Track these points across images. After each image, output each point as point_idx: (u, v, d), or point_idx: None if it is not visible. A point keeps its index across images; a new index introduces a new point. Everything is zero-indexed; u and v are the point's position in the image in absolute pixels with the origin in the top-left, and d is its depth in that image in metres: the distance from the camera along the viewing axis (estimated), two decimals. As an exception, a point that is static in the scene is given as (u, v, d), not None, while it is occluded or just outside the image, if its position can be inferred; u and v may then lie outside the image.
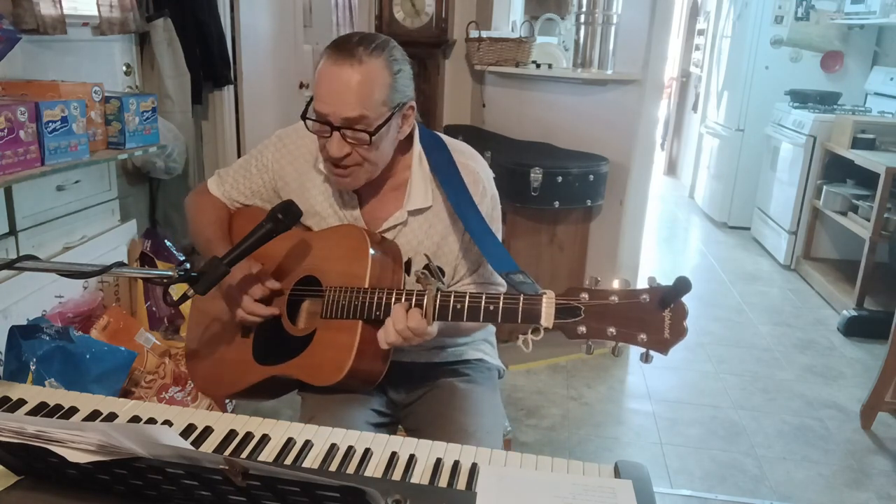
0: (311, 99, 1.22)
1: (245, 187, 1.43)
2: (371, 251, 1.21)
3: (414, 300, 1.13)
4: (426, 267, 1.14)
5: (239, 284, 1.25)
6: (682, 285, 0.91)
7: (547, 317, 1.00)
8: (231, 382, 1.33)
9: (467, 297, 1.09)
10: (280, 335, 1.28)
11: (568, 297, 0.99)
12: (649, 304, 0.95)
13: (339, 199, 1.34)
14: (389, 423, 1.40)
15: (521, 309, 1.03)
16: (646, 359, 0.97)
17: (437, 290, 1.11)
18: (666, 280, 0.96)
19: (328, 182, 1.34)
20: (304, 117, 1.22)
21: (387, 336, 1.14)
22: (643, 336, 0.95)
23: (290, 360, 1.24)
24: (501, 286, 1.41)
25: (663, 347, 0.95)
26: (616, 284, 0.98)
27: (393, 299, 1.15)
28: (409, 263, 1.32)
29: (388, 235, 1.32)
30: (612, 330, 0.96)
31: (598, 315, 0.97)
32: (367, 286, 1.19)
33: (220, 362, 1.36)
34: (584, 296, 0.98)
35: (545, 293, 1.02)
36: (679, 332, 0.94)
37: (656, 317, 0.95)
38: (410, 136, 1.33)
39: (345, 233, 1.29)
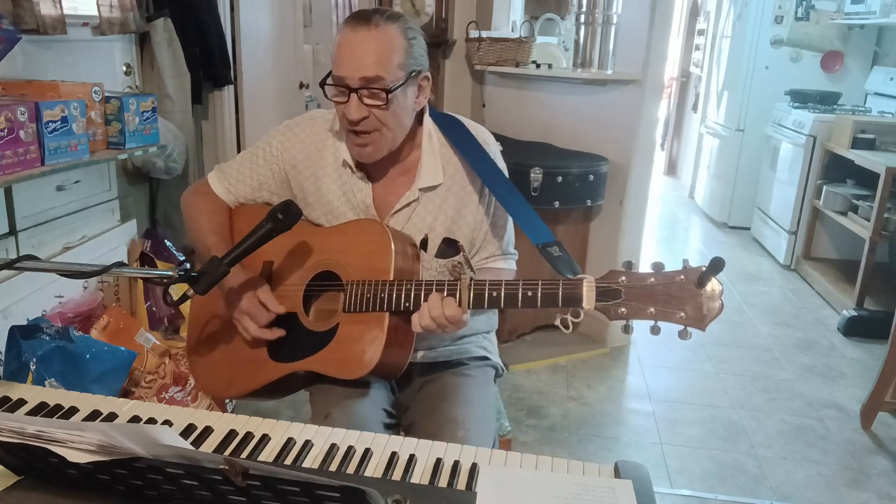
0: (330, 72, 1.24)
1: (252, 179, 1.41)
2: (393, 244, 1.22)
3: (446, 289, 1.14)
4: (460, 256, 1.16)
5: (245, 308, 1.25)
6: (717, 265, 0.96)
7: (588, 300, 1.04)
8: (244, 382, 1.31)
9: (503, 285, 1.11)
10: (296, 331, 1.27)
11: (608, 280, 1.03)
12: (686, 284, 1.00)
13: (352, 186, 1.34)
14: (396, 425, 1.41)
15: (561, 294, 1.06)
16: (684, 335, 1.01)
17: (471, 279, 1.12)
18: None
19: (343, 165, 1.34)
20: (322, 84, 1.24)
21: (421, 320, 1.15)
22: (682, 314, 1.00)
23: (311, 355, 1.24)
24: (514, 256, 1.44)
25: (701, 323, 1.00)
26: (650, 268, 1.03)
27: (423, 290, 1.16)
28: (425, 241, 1.33)
29: (402, 214, 1.33)
30: (652, 309, 1.01)
31: (637, 296, 1.02)
32: (391, 279, 1.20)
33: (230, 362, 1.34)
34: (623, 278, 1.02)
35: (584, 277, 1.05)
36: (716, 309, 0.99)
37: (694, 295, 1.00)
38: (420, 117, 1.34)
39: (363, 227, 1.29)
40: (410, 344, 1.25)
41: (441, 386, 1.37)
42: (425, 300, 1.15)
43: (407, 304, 1.17)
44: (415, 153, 1.35)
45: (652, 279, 1.01)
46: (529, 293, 1.08)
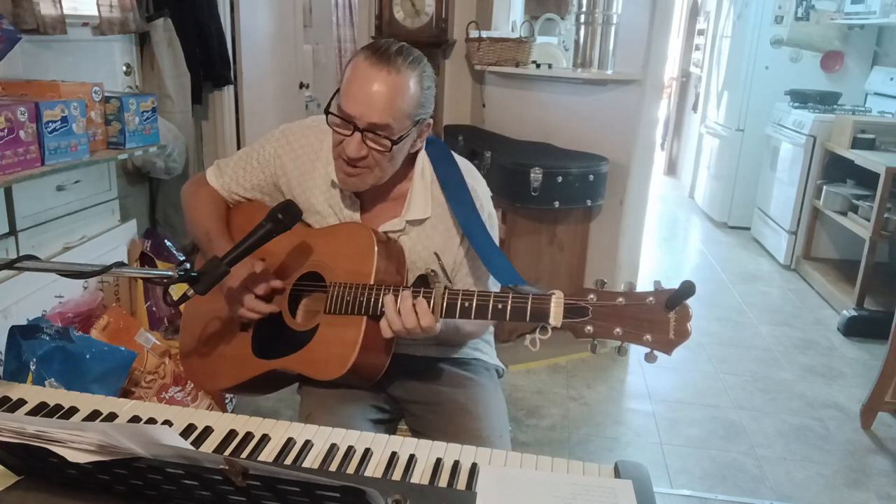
0: (336, 92, 1.22)
1: (245, 181, 1.42)
2: (377, 249, 1.22)
3: (422, 296, 1.14)
4: (434, 266, 1.14)
5: (241, 281, 1.25)
6: (687, 288, 0.94)
7: (556, 316, 1.02)
8: (229, 376, 1.33)
9: (475, 296, 1.10)
10: (280, 329, 1.28)
11: (576, 298, 1.01)
12: (655, 306, 0.97)
13: (341, 202, 1.34)
14: (388, 420, 1.41)
15: (529, 308, 1.05)
16: (650, 358, 0.99)
17: (445, 288, 1.13)
18: (669, 283, 0.99)
19: (331, 183, 1.34)
20: (327, 111, 1.22)
21: (392, 325, 1.14)
22: (648, 336, 0.98)
23: (290, 354, 1.25)
24: None
25: (668, 348, 0.98)
26: (622, 287, 1.00)
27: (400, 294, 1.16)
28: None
29: None
30: (618, 330, 0.99)
31: (605, 315, 0.99)
32: (372, 283, 1.20)
33: (217, 357, 1.36)
34: (592, 296, 1.00)
35: (554, 293, 1.03)
36: (683, 334, 0.97)
37: (662, 318, 0.97)
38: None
39: (351, 231, 1.29)
40: (389, 349, 1.24)
41: (454, 398, 1.36)
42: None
43: (384, 310, 1.16)
44: (405, 183, 1.34)
45: (621, 299, 0.99)
46: (500, 305, 1.08)
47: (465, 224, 1.27)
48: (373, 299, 1.17)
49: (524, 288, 1.10)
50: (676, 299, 0.96)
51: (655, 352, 0.99)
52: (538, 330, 1.05)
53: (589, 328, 1.00)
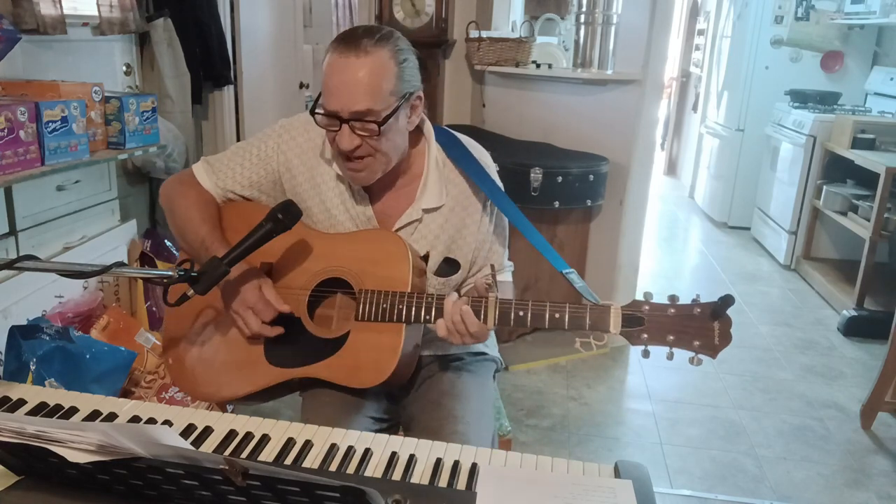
0: (320, 95, 1.21)
1: (243, 177, 1.36)
2: (411, 257, 1.23)
3: (471, 305, 1.16)
4: (487, 274, 1.20)
5: (250, 301, 1.23)
6: (728, 300, 1.06)
7: (615, 325, 1.12)
8: (236, 385, 1.29)
9: (530, 304, 1.15)
10: (298, 336, 1.26)
11: (631, 309, 1.12)
12: (701, 316, 1.09)
13: (351, 197, 1.33)
14: (387, 429, 1.39)
15: (588, 317, 1.13)
16: (695, 362, 1.10)
17: (497, 297, 1.16)
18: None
19: (339, 178, 1.33)
20: (312, 112, 1.22)
21: (443, 330, 1.18)
22: (697, 342, 1.09)
23: (316, 361, 1.23)
24: (511, 268, 1.48)
25: (713, 352, 1.09)
26: (666, 299, 1.11)
27: (444, 304, 1.19)
28: (426, 258, 1.33)
29: (404, 232, 1.33)
30: (671, 337, 1.10)
31: (658, 324, 1.10)
32: (409, 290, 1.21)
33: (221, 364, 1.31)
34: (646, 307, 1.11)
35: (611, 304, 1.13)
36: (727, 339, 1.09)
37: (708, 326, 1.09)
38: (420, 131, 1.33)
39: (376, 236, 1.29)
40: (417, 355, 1.27)
41: (440, 382, 1.37)
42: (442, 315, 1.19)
43: (427, 317, 1.19)
44: (416, 169, 1.33)
45: (672, 310, 1.09)
46: (557, 315, 1.14)
47: (499, 205, 1.33)
48: (415, 307, 1.19)
49: (572, 276, 1.20)
50: (720, 310, 1.07)
51: (700, 356, 1.10)
52: (593, 336, 1.11)
53: (644, 336, 1.11)
